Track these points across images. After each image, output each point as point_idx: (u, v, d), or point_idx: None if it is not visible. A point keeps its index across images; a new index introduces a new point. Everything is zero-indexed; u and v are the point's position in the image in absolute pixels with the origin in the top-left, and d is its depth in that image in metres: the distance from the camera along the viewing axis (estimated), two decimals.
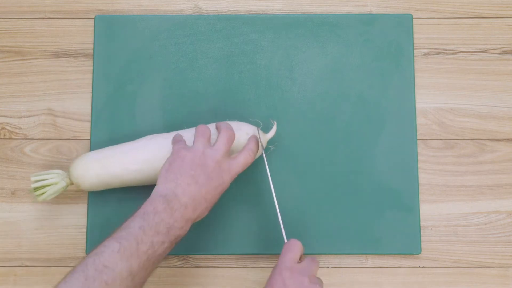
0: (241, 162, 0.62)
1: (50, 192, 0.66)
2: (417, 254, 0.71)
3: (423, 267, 0.71)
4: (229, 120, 0.69)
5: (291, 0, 0.77)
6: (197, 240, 0.70)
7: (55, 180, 0.66)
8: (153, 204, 0.57)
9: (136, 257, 0.53)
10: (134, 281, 0.53)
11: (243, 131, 0.67)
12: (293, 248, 0.59)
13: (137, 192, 0.68)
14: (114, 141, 0.70)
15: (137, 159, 0.65)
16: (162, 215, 0.56)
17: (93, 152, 0.68)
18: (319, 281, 0.58)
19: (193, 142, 0.62)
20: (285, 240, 0.62)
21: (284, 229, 0.65)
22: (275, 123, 0.69)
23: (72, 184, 0.67)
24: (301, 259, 0.60)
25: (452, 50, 0.76)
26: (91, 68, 0.75)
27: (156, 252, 0.55)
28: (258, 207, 0.71)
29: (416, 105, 0.74)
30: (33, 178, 0.66)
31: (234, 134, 0.63)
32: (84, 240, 0.71)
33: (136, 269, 0.53)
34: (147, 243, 0.54)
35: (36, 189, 0.66)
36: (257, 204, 0.71)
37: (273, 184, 0.66)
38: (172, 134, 0.66)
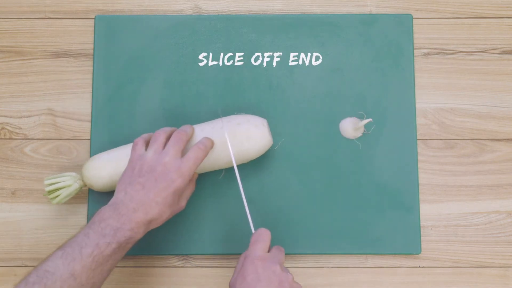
0: (191, 157, 0.62)
1: (64, 194, 0.66)
2: (417, 254, 0.71)
3: (423, 267, 0.71)
4: (237, 113, 0.69)
5: (291, 0, 0.77)
6: (197, 240, 0.70)
7: (68, 183, 0.66)
8: (100, 213, 0.59)
9: (80, 260, 0.55)
10: (78, 281, 0.55)
11: (252, 124, 0.67)
12: (264, 238, 0.60)
13: None
14: (114, 141, 0.70)
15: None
16: (108, 221, 0.58)
17: (105, 152, 0.68)
18: (287, 270, 0.59)
19: (146, 150, 0.63)
20: (253, 231, 0.63)
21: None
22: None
23: (85, 186, 0.68)
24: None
25: (452, 50, 0.76)
26: (91, 68, 0.75)
27: (103, 252, 0.56)
28: (258, 207, 0.71)
29: (416, 105, 0.74)
30: (46, 182, 0.66)
31: (185, 134, 0.64)
32: None
33: (79, 271, 0.55)
34: (91, 246, 0.56)
35: (50, 192, 0.66)
36: (257, 204, 0.71)
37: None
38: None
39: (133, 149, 0.63)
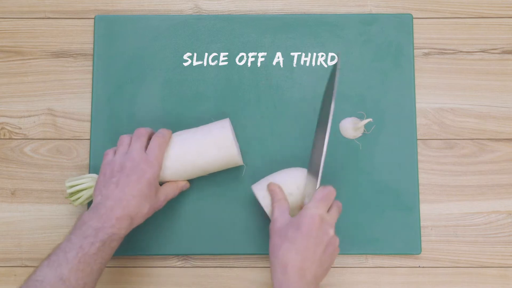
0: (153, 145, 0.64)
1: (86, 196, 0.66)
2: (417, 254, 0.71)
3: (423, 267, 0.71)
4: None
5: (291, 0, 0.77)
6: (197, 240, 0.70)
7: (89, 184, 0.66)
8: (81, 218, 0.61)
9: (66, 264, 0.57)
10: (68, 284, 0.56)
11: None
12: (330, 198, 0.62)
13: None
14: (114, 141, 0.70)
15: (169, 154, 0.66)
16: (89, 223, 0.59)
17: None
18: (335, 233, 0.62)
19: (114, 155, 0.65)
20: (318, 186, 0.63)
21: None
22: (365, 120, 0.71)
23: None
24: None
25: (452, 50, 0.76)
26: (91, 68, 0.75)
27: (88, 252, 0.58)
28: (258, 207, 0.71)
29: (416, 105, 0.74)
30: (67, 184, 0.66)
31: (145, 130, 0.66)
32: None
33: (67, 274, 0.56)
34: (75, 249, 0.58)
35: (71, 194, 0.66)
36: (257, 205, 0.71)
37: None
38: (200, 129, 0.67)
39: (104, 158, 0.65)
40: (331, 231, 0.60)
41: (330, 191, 0.62)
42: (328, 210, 0.62)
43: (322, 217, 0.60)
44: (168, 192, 0.66)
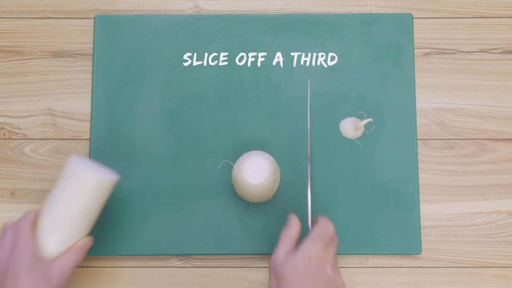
0: (18, 234, 0.58)
1: None
2: (417, 254, 0.71)
3: (423, 267, 0.71)
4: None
5: (291, 0, 0.77)
6: (197, 240, 0.70)
7: None
8: None
9: None
10: None
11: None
12: (327, 235, 0.60)
13: (136, 197, 0.68)
14: (114, 141, 0.70)
15: (44, 227, 0.60)
16: None
17: None
18: (338, 270, 0.60)
19: None
20: (309, 216, 0.64)
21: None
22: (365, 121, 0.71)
23: None
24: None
25: (452, 50, 0.76)
26: (91, 68, 0.75)
27: None
28: (257, 207, 0.71)
29: (416, 105, 0.74)
30: None
31: (8, 227, 0.60)
32: None
33: None
34: None
35: None
36: (256, 205, 0.71)
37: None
38: (58, 183, 0.62)
39: None
40: (329, 269, 0.58)
41: (328, 229, 0.60)
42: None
43: (318, 257, 0.58)
44: (63, 264, 0.59)
